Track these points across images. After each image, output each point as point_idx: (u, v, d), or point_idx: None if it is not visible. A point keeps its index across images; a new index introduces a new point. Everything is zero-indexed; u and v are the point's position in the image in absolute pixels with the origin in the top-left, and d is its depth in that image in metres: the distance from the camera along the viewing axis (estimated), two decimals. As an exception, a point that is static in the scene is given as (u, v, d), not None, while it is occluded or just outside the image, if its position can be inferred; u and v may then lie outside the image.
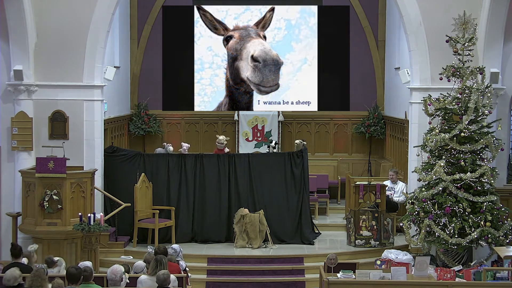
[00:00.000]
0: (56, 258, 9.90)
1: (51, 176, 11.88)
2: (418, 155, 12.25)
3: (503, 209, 11.71)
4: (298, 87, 18.57)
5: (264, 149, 17.38)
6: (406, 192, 13.29)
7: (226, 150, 15.10)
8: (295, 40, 18.49)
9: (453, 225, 11.34)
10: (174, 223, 13.63)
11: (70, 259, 11.90)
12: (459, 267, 11.21)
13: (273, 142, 16.20)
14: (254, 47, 17.92)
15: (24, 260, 9.49)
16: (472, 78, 11.79)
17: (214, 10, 18.43)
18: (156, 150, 14.76)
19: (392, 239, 13.33)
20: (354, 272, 9.84)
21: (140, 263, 9.73)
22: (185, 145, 14.49)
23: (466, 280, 10.18)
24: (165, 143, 14.93)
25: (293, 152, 14.31)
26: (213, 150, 15.40)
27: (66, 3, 13.06)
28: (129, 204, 13.16)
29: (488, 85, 11.97)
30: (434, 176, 11.67)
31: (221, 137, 15.01)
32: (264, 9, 18.39)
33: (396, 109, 16.77)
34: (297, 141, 15.05)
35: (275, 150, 15.75)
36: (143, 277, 8.93)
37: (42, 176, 11.88)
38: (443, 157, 11.77)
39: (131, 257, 12.73)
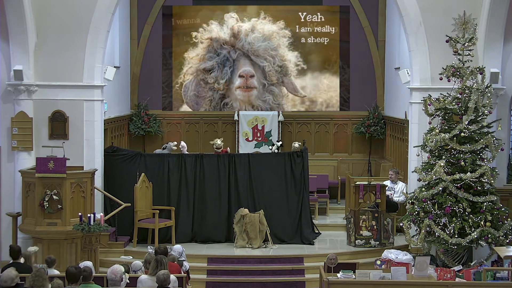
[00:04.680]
0: None
1: (51, 176, 11.87)
2: (418, 155, 12.24)
3: (503, 209, 11.71)
4: (299, 87, 18.58)
5: (264, 149, 17.36)
6: (406, 192, 13.28)
7: (228, 150, 15.08)
8: (295, 40, 18.48)
9: (453, 225, 11.34)
10: (174, 223, 13.62)
11: (70, 259, 11.91)
12: (459, 267, 11.21)
13: (279, 143, 16.19)
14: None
15: (21, 261, 9.48)
16: (472, 78, 11.78)
17: (214, 9, 18.44)
18: (156, 151, 14.77)
19: (392, 239, 13.33)
20: (354, 272, 9.84)
21: (137, 262, 9.74)
22: (183, 145, 14.49)
23: (466, 280, 10.19)
24: (168, 143, 14.96)
25: (293, 152, 14.31)
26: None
27: (66, 3, 13.06)
28: (129, 204, 13.16)
29: (488, 85, 11.97)
30: (434, 176, 11.66)
31: (215, 141, 14.94)
32: (264, 8, 18.39)
33: (396, 109, 16.76)
34: (295, 144, 15.07)
35: (278, 151, 15.74)
36: (143, 277, 8.93)
37: (42, 176, 11.88)
38: (443, 157, 11.76)
39: (131, 257, 12.71)
